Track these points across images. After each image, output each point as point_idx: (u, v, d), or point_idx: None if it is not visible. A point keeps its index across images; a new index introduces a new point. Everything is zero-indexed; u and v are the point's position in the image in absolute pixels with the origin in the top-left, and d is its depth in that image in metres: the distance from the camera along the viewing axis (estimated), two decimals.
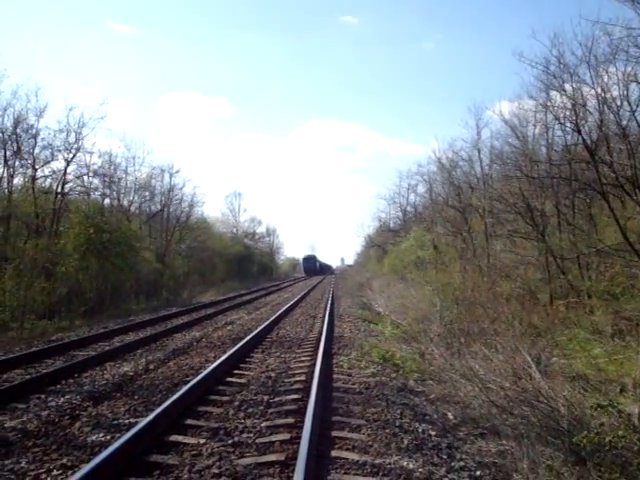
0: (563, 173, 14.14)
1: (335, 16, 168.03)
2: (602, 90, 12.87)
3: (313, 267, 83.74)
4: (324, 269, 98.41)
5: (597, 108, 13.04)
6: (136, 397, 6.93)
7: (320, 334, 12.05)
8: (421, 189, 39.86)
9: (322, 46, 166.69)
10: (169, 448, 4.98)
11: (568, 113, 13.49)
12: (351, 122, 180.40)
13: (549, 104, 14.88)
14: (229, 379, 7.90)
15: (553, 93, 14.38)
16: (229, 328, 14.31)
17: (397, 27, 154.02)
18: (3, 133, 20.48)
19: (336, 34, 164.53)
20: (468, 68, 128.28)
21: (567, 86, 13.44)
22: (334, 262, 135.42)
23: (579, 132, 12.90)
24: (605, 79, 13.05)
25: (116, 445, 4.47)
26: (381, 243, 48.51)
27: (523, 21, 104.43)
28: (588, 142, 12.64)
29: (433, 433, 5.69)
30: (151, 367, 9.02)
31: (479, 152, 24.41)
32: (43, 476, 4.38)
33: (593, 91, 13.06)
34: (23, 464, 4.63)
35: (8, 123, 20.69)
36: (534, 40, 14.55)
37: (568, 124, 13.78)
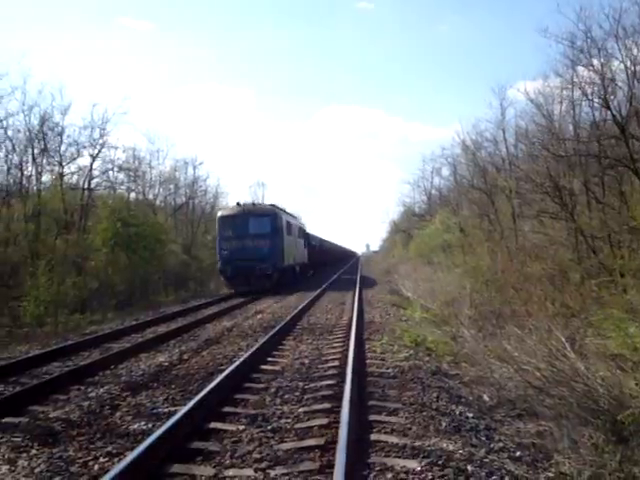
0: (592, 150, 13.82)
1: (352, 2, 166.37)
2: (632, 63, 12.59)
3: (256, 251, 21.66)
4: (326, 257, 46.91)
5: (626, 82, 12.74)
6: (173, 386, 7.04)
7: (350, 320, 12.08)
8: (445, 172, 39.23)
9: (340, 32, 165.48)
10: (209, 435, 5.06)
11: (596, 89, 13.16)
12: (372, 107, 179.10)
13: (576, 80, 14.57)
14: (263, 367, 7.97)
15: (580, 69, 14.07)
16: (259, 317, 14.41)
17: (412, 11, 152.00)
18: (30, 132, 20.91)
19: (354, 20, 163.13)
20: (485, 49, 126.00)
21: (595, 61, 13.13)
22: (359, 248, 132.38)
23: (608, 107, 12.60)
24: (634, 52, 12.75)
25: (158, 433, 4.56)
26: (406, 228, 48.10)
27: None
28: (617, 117, 12.34)
29: (470, 415, 5.69)
30: (185, 357, 9.14)
31: (504, 132, 24.00)
32: (91, 463, 4.49)
33: (622, 65, 12.79)
34: (71, 452, 4.75)
35: (35, 122, 21.17)
36: (557, 15, 14.26)
37: (596, 100, 13.45)
